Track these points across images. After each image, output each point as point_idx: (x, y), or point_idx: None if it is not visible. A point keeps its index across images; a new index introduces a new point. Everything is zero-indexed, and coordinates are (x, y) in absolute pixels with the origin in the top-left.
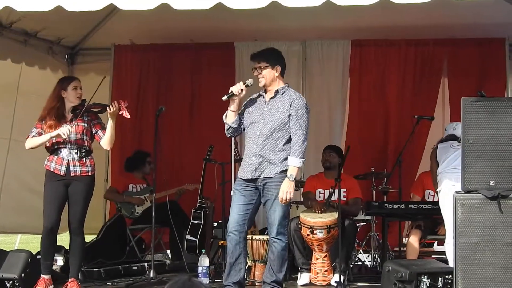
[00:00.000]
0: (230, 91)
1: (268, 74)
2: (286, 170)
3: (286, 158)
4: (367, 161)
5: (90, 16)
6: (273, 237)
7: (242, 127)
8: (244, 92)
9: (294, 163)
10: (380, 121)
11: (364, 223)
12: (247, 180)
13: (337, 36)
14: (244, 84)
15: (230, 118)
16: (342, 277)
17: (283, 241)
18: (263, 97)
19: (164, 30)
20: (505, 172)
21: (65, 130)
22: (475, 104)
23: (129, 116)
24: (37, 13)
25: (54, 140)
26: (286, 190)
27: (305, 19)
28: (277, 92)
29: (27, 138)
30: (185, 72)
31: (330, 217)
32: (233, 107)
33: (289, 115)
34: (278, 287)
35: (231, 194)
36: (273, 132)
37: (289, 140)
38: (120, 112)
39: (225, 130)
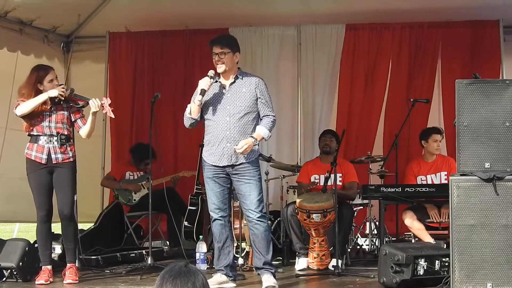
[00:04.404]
0: (201, 90)
1: (229, 61)
2: (259, 156)
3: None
4: (362, 145)
5: (84, 4)
6: (255, 220)
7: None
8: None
9: (261, 131)
10: (375, 105)
11: (362, 207)
12: (220, 167)
13: (331, 20)
14: (209, 77)
15: (195, 112)
16: (339, 261)
17: (265, 222)
18: (221, 84)
19: (159, 16)
20: (500, 154)
21: (61, 89)
22: (469, 87)
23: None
24: (32, 2)
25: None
26: (246, 143)
27: (299, 3)
28: (236, 77)
29: (15, 108)
30: (180, 58)
31: (326, 201)
32: (199, 101)
33: (257, 98)
34: (271, 268)
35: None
36: (243, 116)
37: (258, 122)
38: (104, 111)
39: (188, 124)
